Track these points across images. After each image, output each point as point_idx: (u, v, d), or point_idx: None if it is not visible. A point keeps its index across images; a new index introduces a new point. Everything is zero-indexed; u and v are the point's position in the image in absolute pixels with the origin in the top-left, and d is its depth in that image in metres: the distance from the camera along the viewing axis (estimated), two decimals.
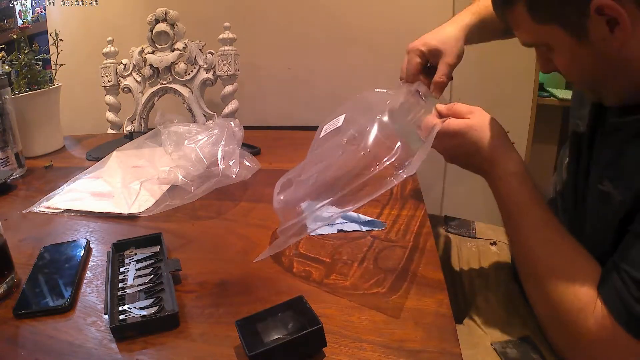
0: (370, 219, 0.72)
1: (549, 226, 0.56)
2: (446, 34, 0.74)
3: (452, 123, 0.60)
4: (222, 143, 0.84)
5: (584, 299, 0.51)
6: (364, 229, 0.70)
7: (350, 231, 0.70)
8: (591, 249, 0.54)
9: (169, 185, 0.84)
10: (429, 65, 0.76)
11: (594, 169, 0.59)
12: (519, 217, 0.58)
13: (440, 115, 0.63)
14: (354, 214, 0.73)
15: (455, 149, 0.62)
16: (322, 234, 0.69)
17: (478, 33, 0.76)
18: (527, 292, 0.59)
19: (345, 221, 0.72)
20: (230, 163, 0.82)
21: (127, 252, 0.65)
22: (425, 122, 0.63)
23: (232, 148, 0.85)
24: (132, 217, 0.77)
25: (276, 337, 0.47)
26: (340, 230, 0.70)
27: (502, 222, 0.61)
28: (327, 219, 0.60)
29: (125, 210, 0.79)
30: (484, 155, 0.60)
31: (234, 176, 0.81)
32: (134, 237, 0.67)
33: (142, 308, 0.53)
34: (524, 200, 0.57)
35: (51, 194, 0.87)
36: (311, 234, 0.68)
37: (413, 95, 0.67)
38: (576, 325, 0.51)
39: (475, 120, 0.60)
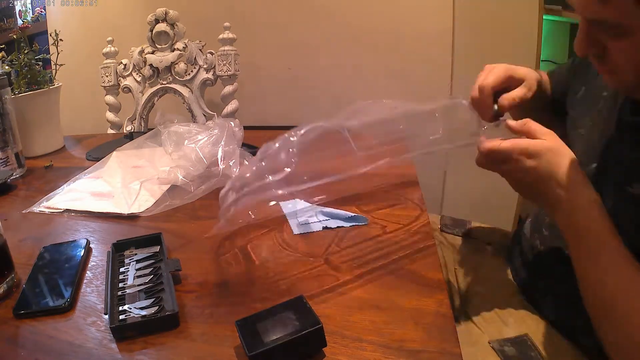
0: (352, 214, 0.73)
1: (629, 262, 0.50)
2: (528, 70, 0.70)
3: (531, 143, 0.56)
4: (222, 143, 0.84)
5: None
6: (348, 224, 0.72)
7: (335, 227, 0.71)
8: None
9: (169, 185, 0.84)
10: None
11: (615, 172, 0.58)
12: (598, 250, 0.52)
13: (512, 131, 0.59)
14: (337, 211, 0.74)
15: (528, 171, 0.56)
16: (308, 232, 0.70)
17: (539, 92, 0.72)
18: (597, 326, 0.52)
19: (328, 218, 0.73)
20: (231, 163, 0.82)
21: (127, 252, 0.65)
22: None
23: (232, 148, 0.85)
24: (132, 217, 0.77)
25: (276, 337, 0.47)
26: (325, 228, 0.71)
27: (572, 255, 0.55)
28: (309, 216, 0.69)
29: (125, 210, 0.79)
30: (560, 181, 0.54)
31: (234, 176, 0.81)
32: (134, 237, 0.67)
33: (142, 308, 0.53)
34: (605, 231, 0.52)
35: (51, 194, 0.87)
36: (296, 232, 0.70)
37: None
38: None
39: (552, 143, 0.56)
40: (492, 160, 0.59)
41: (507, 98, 0.66)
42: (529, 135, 0.58)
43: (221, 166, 0.81)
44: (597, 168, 0.61)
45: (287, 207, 0.78)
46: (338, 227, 0.71)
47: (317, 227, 0.71)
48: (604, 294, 0.51)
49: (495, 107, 0.66)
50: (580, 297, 0.64)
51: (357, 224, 0.72)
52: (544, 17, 1.35)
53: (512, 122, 0.60)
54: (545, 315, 0.68)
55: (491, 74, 0.68)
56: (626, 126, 0.57)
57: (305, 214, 0.75)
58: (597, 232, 0.52)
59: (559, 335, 0.65)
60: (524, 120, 0.59)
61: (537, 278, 0.72)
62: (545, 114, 0.80)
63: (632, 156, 0.55)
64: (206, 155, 0.84)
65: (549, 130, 0.57)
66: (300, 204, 0.78)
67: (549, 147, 0.55)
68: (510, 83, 0.68)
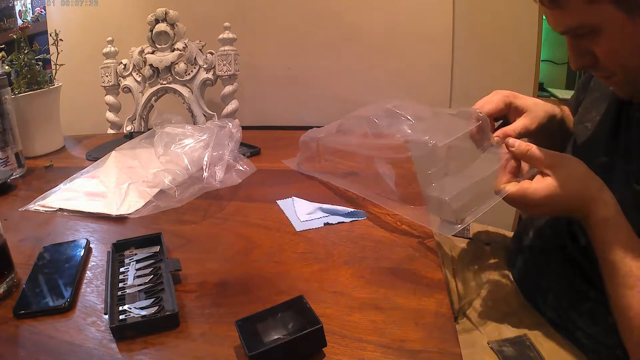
0: (352, 210, 0.74)
1: None
2: (538, 101, 0.69)
3: (537, 192, 0.55)
4: (209, 149, 0.84)
5: None
6: (347, 220, 0.72)
7: (336, 223, 0.72)
8: None
9: (158, 189, 0.83)
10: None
11: (622, 167, 0.58)
12: (616, 266, 0.52)
13: (514, 156, 0.59)
14: (336, 207, 0.75)
15: (544, 211, 0.58)
16: (309, 228, 0.71)
17: (558, 125, 0.72)
18: (625, 343, 0.52)
19: (328, 214, 0.74)
20: (216, 169, 0.82)
21: (127, 252, 0.65)
22: (498, 184, 0.58)
23: (221, 154, 0.85)
24: (133, 218, 0.77)
25: (276, 337, 0.47)
26: (326, 224, 0.72)
27: (601, 269, 0.55)
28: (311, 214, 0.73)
29: (113, 211, 0.78)
30: (574, 206, 0.56)
31: (218, 183, 0.81)
32: (134, 237, 0.67)
33: (142, 308, 0.53)
34: (620, 247, 0.52)
35: (47, 192, 0.87)
36: (299, 229, 0.71)
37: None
38: None
39: (557, 176, 0.55)
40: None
41: (499, 134, 0.64)
42: (531, 163, 0.58)
43: (205, 173, 0.81)
44: (605, 162, 0.61)
45: (287, 205, 0.78)
46: (339, 222, 0.72)
47: (318, 223, 0.72)
48: (624, 309, 0.51)
49: (493, 139, 0.64)
50: (581, 297, 0.64)
51: (357, 219, 0.73)
52: (544, 17, 1.35)
53: (515, 147, 0.59)
54: (545, 315, 0.68)
55: (489, 102, 0.67)
56: (635, 122, 0.57)
57: (305, 211, 0.75)
58: (613, 248, 0.52)
59: (558, 335, 0.65)
60: (527, 146, 0.58)
61: (537, 278, 0.72)
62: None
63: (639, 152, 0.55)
64: (193, 160, 0.83)
65: (555, 155, 0.57)
66: (299, 202, 0.78)
67: (555, 189, 0.55)
68: (509, 111, 0.67)
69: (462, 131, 0.64)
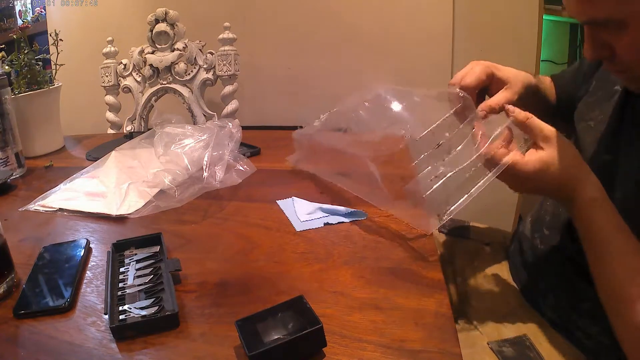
0: (352, 210, 0.74)
1: (637, 254, 0.51)
2: (517, 72, 0.70)
3: (528, 165, 0.56)
4: (209, 149, 0.84)
5: None
6: (347, 220, 0.73)
7: (336, 223, 0.72)
8: None
9: (158, 188, 0.83)
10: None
11: (626, 165, 0.58)
12: (603, 245, 0.53)
13: (515, 123, 0.58)
14: (336, 207, 0.75)
15: (530, 186, 0.58)
16: (309, 228, 0.71)
17: (532, 94, 0.72)
18: (612, 322, 0.53)
19: (328, 214, 0.74)
20: (216, 169, 0.82)
21: (127, 252, 0.65)
22: (491, 151, 0.57)
23: (221, 154, 0.85)
24: (133, 218, 0.77)
25: (276, 337, 0.47)
26: (326, 224, 0.72)
27: (585, 251, 0.56)
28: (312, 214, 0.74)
29: (113, 211, 0.78)
30: (562, 185, 0.56)
31: (218, 183, 0.81)
32: (134, 237, 0.67)
33: (142, 308, 0.53)
34: (607, 227, 0.53)
35: (47, 192, 0.87)
36: (299, 229, 0.71)
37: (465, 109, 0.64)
38: None
39: (551, 151, 0.56)
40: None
41: (484, 107, 0.64)
42: (527, 133, 0.58)
43: (205, 173, 0.81)
44: (609, 160, 0.61)
45: (287, 205, 0.78)
46: (339, 222, 0.72)
47: (319, 223, 0.72)
48: (613, 285, 0.52)
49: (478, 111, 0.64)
50: (581, 297, 0.64)
51: (357, 219, 0.73)
52: (544, 17, 1.35)
53: (516, 115, 0.59)
54: (545, 315, 0.68)
55: (470, 74, 0.67)
56: (639, 120, 0.57)
57: (305, 211, 0.75)
58: (601, 227, 0.53)
59: (558, 335, 0.65)
60: (526, 114, 0.58)
61: (537, 278, 0.72)
62: (547, 120, 0.79)
63: None
64: (193, 160, 0.83)
65: (548, 129, 0.57)
66: (299, 202, 0.78)
67: (547, 162, 0.55)
68: (491, 82, 0.68)
69: (441, 118, 0.63)
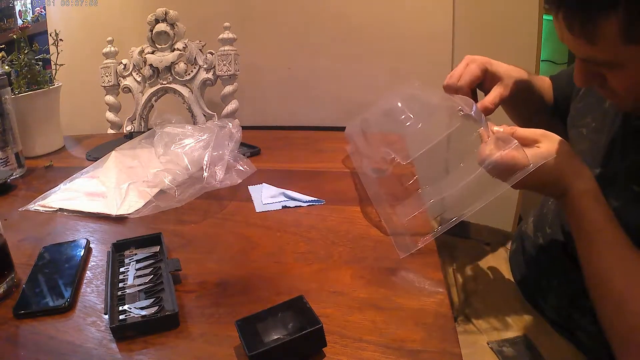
0: (312, 198, 0.79)
1: (626, 245, 0.52)
2: (510, 67, 0.70)
3: (526, 159, 0.56)
4: (209, 149, 0.84)
5: None
6: (305, 204, 0.78)
7: (293, 207, 0.78)
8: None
9: (158, 188, 0.83)
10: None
11: (621, 174, 0.58)
12: (593, 236, 0.54)
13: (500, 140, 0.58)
14: (298, 194, 0.81)
15: (529, 183, 0.58)
16: (268, 210, 0.78)
17: (525, 90, 0.72)
18: (598, 313, 0.54)
19: (288, 199, 0.80)
20: (216, 169, 0.82)
21: (127, 252, 0.65)
22: (483, 151, 0.58)
23: (221, 154, 0.85)
24: (126, 218, 0.77)
25: (276, 337, 0.47)
26: (284, 207, 0.78)
27: (576, 243, 0.57)
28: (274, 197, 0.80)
29: (113, 211, 0.78)
30: (557, 179, 0.57)
31: (218, 183, 0.81)
32: (134, 237, 0.67)
33: (142, 308, 0.53)
34: (598, 218, 0.54)
35: (47, 192, 0.87)
36: (259, 210, 0.78)
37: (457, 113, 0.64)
38: None
39: (548, 148, 0.56)
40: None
41: (480, 109, 0.65)
42: (520, 142, 0.57)
43: (205, 173, 0.81)
44: (604, 170, 0.61)
45: (256, 190, 0.84)
46: (296, 206, 0.78)
47: (277, 206, 0.78)
48: (602, 275, 0.53)
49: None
50: (582, 296, 0.64)
51: (314, 204, 0.78)
52: (544, 17, 1.35)
53: (500, 132, 0.59)
54: (546, 315, 0.68)
55: (467, 73, 0.68)
56: (632, 129, 0.57)
57: (269, 194, 0.81)
58: (591, 219, 0.54)
59: (559, 335, 0.65)
60: (511, 128, 0.59)
61: (539, 277, 0.72)
62: (544, 116, 0.79)
63: (638, 159, 0.55)
64: (193, 160, 0.83)
65: (539, 131, 0.58)
66: (267, 187, 0.84)
67: (544, 158, 0.56)
68: (485, 77, 0.69)
69: (438, 138, 0.63)
